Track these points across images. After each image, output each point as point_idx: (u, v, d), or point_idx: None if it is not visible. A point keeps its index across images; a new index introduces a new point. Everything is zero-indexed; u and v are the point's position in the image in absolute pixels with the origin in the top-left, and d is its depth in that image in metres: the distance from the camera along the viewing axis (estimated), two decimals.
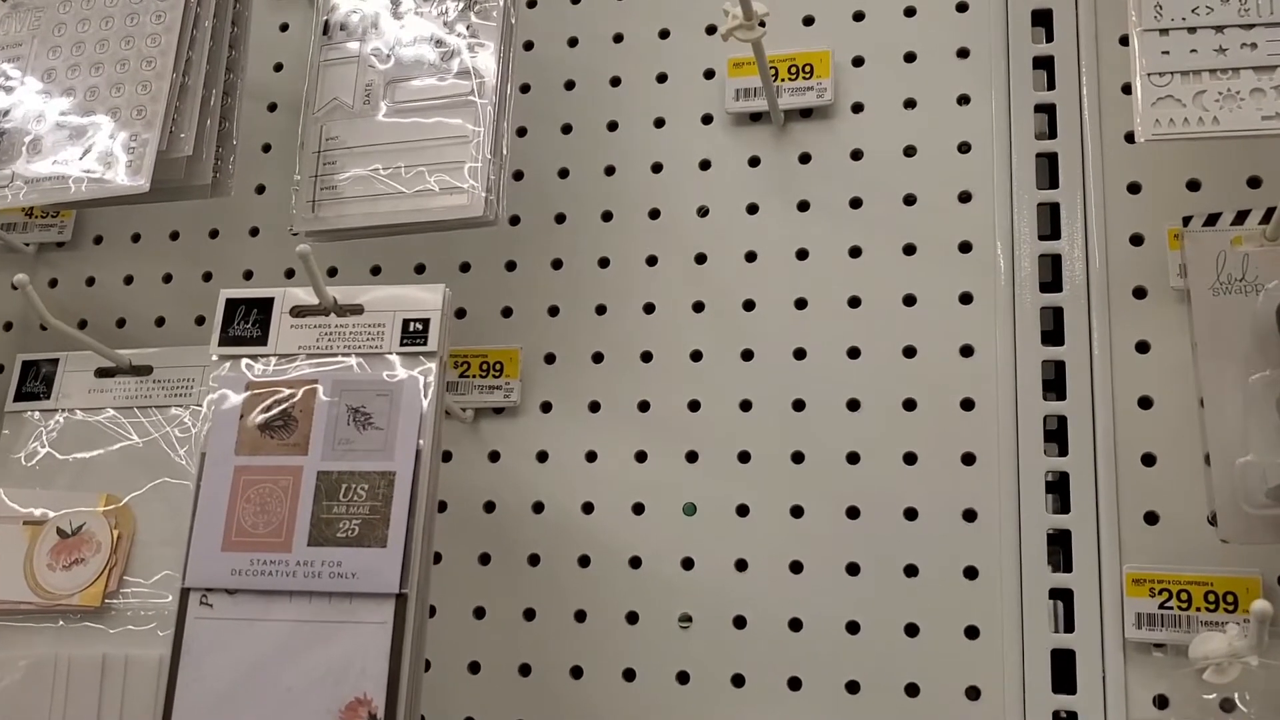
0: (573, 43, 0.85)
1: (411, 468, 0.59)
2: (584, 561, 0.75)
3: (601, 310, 0.79)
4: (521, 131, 0.83)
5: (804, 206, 0.78)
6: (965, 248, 0.74)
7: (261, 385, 0.62)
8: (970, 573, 0.69)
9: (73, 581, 0.67)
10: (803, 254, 0.77)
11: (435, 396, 0.61)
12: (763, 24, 0.69)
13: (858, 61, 0.79)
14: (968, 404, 0.72)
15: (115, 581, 0.67)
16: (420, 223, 0.69)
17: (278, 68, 0.90)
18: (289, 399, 0.62)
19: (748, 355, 0.76)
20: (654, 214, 0.80)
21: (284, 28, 0.90)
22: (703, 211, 0.79)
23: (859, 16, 0.80)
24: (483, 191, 0.67)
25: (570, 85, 0.84)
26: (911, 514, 0.71)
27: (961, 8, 0.78)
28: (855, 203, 0.77)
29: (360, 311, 0.63)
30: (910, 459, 0.72)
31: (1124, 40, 0.74)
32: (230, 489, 0.60)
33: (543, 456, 0.78)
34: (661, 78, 0.83)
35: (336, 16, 0.74)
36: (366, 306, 0.63)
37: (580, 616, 0.74)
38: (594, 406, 0.78)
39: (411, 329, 0.62)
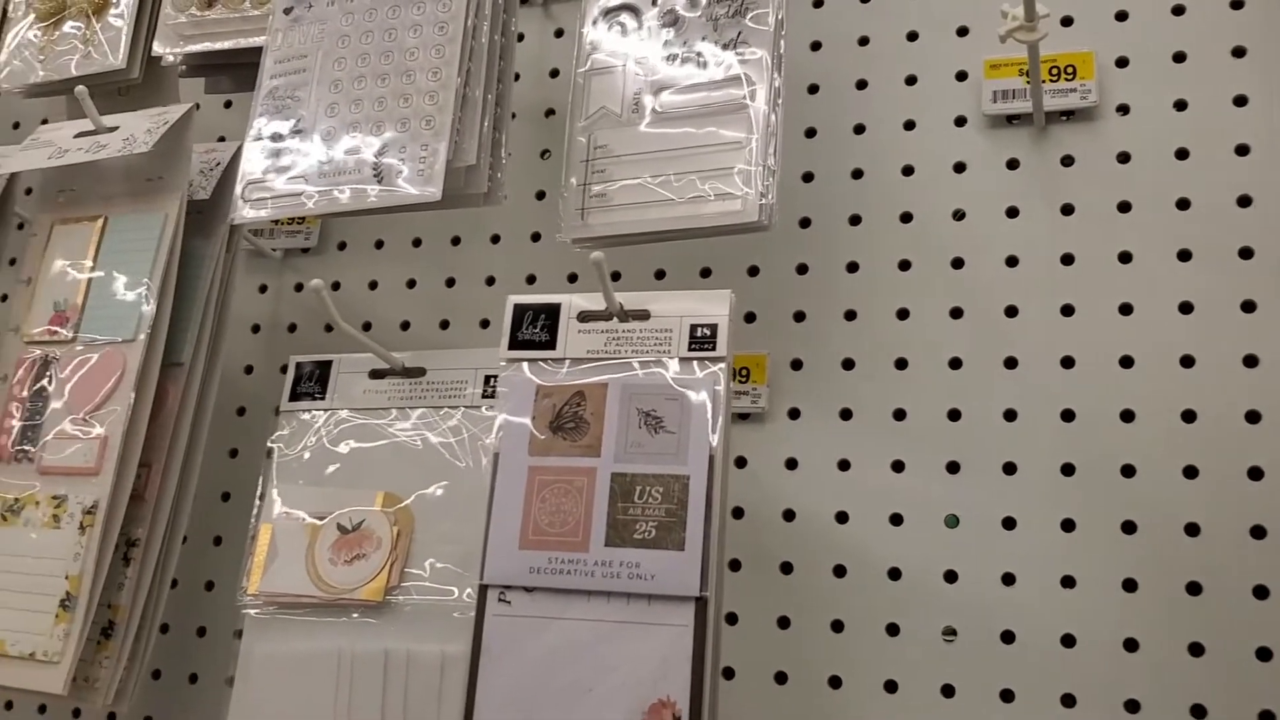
0: (815, 46, 0.85)
1: (705, 471, 0.60)
2: (839, 571, 0.74)
3: (851, 316, 0.79)
4: None
5: (1068, 210, 0.76)
6: (1246, 253, 0.71)
7: (552, 388, 0.63)
8: (1260, 592, 0.66)
9: (354, 576, 0.69)
10: (1068, 259, 0.75)
11: (725, 401, 0.61)
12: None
13: (1121, 62, 0.77)
14: (1253, 416, 0.69)
15: (397, 577, 0.68)
16: (688, 229, 0.69)
17: (515, 77, 0.91)
18: (579, 401, 0.62)
19: (1011, 363, 0.74)
20: (905, 217, 0.79)
21: (521, 38, 0.92)
22: (958, 215, 0.78)
23: (1122, 16, 0.77)
24: (757, 197, 0.67)
25: (814, 89, 0.84)
26: (1193, 529, 0.68)
27: (1237, 5, 0.75)
28: (1124, 206, 0.74)
29: (646, 317, 0.64)
30: (1191, 472, 0.69)
31: None
32: (525, 488, 0.61)
33: (792, 464, 0.77)
34: (910, 80, 0.81)
35: (600, 26, 0.75)
36: (653, 313, 0.64)
37: (837, 626, 0.73)
38: (845, 414, 0.77)
39: (699, 334, 0.63)
